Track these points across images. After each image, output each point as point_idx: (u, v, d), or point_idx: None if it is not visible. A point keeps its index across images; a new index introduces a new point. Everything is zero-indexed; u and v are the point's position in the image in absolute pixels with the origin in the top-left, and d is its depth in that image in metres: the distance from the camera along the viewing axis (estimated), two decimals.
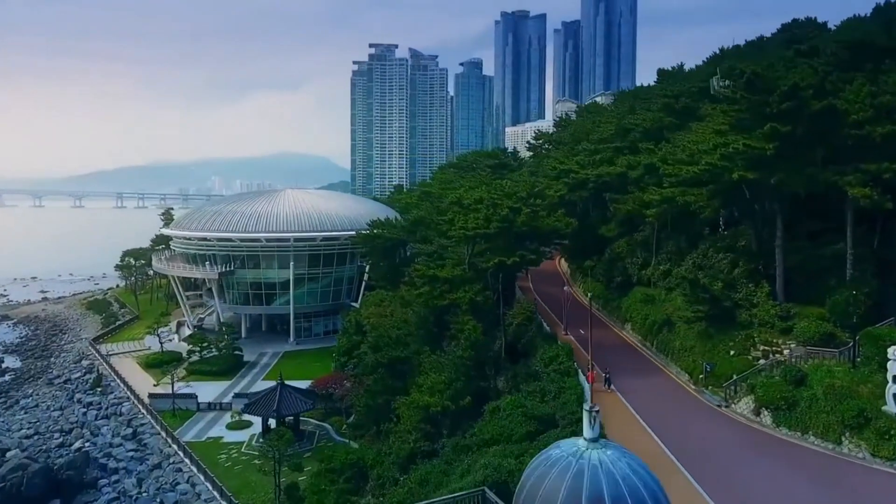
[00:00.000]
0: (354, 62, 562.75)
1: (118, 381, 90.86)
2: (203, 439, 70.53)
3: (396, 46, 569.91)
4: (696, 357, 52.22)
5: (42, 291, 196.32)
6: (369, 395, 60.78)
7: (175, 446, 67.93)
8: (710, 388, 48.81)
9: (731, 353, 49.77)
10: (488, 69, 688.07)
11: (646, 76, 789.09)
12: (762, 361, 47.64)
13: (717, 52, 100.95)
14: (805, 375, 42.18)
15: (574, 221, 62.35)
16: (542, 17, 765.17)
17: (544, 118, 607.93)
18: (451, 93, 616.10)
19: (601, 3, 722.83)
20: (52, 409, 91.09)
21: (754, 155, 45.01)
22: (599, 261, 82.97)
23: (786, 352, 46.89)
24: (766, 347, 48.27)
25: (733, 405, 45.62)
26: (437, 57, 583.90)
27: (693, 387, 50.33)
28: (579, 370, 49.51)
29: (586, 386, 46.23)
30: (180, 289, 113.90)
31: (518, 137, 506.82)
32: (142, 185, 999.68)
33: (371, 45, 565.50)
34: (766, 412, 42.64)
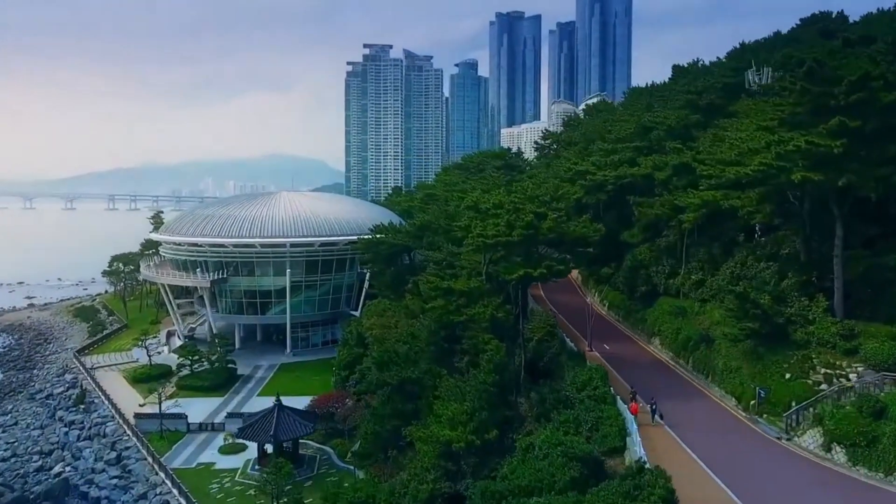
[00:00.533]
0: (349, 63, 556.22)
1: (103, 397, 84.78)
2: (193, 466, 64.49)
3: (391, 47, 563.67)
4: (744, 379, 46.82)
5: (28, 297, 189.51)
6: (376, 419, 55.01)
7: (162, 474, 61.98)
8: (764, 416, 43.43)
9: (787, 376, 44.35)
10: (483, 70, 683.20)
11: (641, 77, 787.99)
12: (824, 387, 42.24)
13: (738, 46, 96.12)
14: (885, 406, 36.76)
15: (602, 227, 56.85)
16: (536, 18, 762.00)
17: (540, 119, 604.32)
18: (447, 94, 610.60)
19: (596, 4, 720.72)
20: (31, 427, 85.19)
21: (819, 153, 39.57)
22: (618, 268, 77.64)
23: (852, 376, 41.53)
24: (828, 371, 42.84)
25: (796, 438, 40.21)
26: (431, 58, 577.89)
27: (744, 414, 44.91)
28: (617, 397, 44.04)
29: (628, 416, 40.76)
30: (170, 297, 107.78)
31: (514, 138, 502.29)
32: (135, 186, 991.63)
33: (365, 46, 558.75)
34: (838, 448, 37.26)
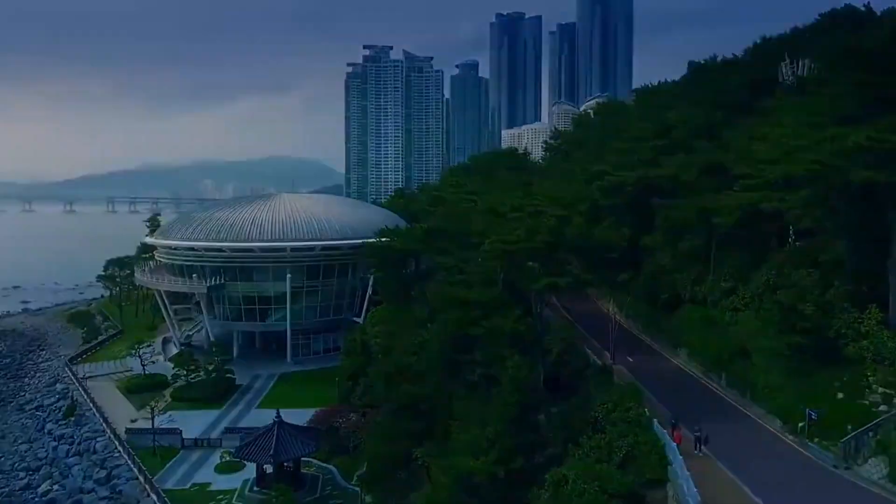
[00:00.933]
0: (349, 64, 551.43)
1: (94, 410, 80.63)
2: (187, 486, 60.52)
3: (391, 48, 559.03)
4: (790, 398, 42.69)
5: (23, 302, 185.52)
6: (384, 439, 50.97)
7: (154, 496, 57.91)
8: (816, 440, 39.31)
9: (840, 395, 40.29)
10: (484, 71, 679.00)
11: (642, 78, 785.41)
12: (883, 408, 38.19)
13: (758, 41, 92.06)
14: None
15: (627, 232, 52.81)
16: (537, 19, 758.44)
17: (540, 121, 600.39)
18: (447, 95, 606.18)
19: (597, 5, 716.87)
20: (19, 440, 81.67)
21: (883, 150, 35.55)
22: (636, 274, 73.47)
23: None
24: (887, 390, 38.78)
25: (856, 467, 36.13)
26: (432, 59, 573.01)
27: (791, 437, 40.81)
28: (654, 420, 39.95)
29: (668, 443, 36.67)
30: (166, 303, 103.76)
31: (515, 140, 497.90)
32: (134, 189, 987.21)
33: (365, 47, 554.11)
34: None
